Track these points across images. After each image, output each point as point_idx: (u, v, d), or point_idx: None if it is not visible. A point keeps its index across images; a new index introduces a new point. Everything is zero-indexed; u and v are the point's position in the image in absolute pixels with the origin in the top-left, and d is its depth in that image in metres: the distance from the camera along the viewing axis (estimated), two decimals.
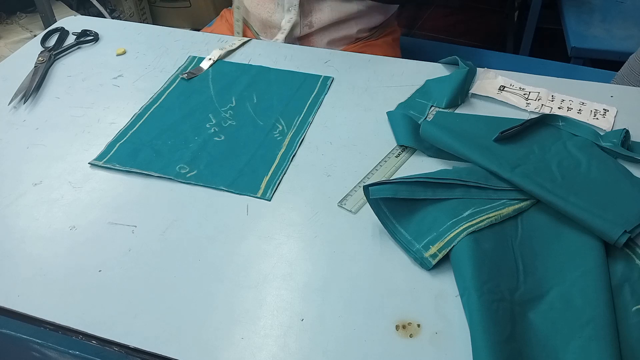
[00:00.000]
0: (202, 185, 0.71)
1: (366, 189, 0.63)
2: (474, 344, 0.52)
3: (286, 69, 0.93)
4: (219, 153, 0.76)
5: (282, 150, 0.76)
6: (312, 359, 0.53)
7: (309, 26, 1.03)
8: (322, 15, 1.03)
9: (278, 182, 0.72)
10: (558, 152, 0.72)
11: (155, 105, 0.85)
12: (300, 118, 0.82)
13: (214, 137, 0.79)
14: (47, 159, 0.77)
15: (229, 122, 0.82)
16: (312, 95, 0.86)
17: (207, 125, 0.81)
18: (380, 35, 1.12)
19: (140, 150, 0.77)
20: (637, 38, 1.52)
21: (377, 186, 0.63)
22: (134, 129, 0.81)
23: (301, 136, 0.79)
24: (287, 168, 0.74)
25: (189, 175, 0.73)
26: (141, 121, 0.82)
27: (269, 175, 0.72)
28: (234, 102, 0.86)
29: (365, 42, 1.10)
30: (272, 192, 0.70)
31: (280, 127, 0.80)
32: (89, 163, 0.75)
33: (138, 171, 0.73)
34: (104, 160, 0.76)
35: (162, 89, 0.89)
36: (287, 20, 1.04)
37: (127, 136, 0.80)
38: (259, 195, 0.70)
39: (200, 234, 0.65)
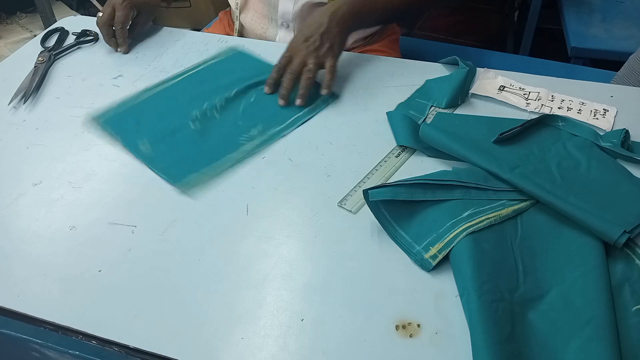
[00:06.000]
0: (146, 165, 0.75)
1: (365, 192, 0.63)
2: (473, 344, 0.52)
3: None
4: (184, 139, 0.79)
5: (233, 154, 0.76)
6: (312, 359, 0.53)
7: None
8: None
9: (207, 181, 0.72)
10: (558, 152, 0.72)
11: (165, 86, 0.89)
12: (279, 128, 0.80)
13: (190, 124, 0.81)
14: (47, 159, 0.77)
15: (215, 115, 0.83)
16: (308, 108, 0.84)
17: (194, 112, 0.83)
18: (378, 39, 1.12)
19: (129, 121, 0.82)
20: (637, 38, 1.52)
21: (377, 189, 0.63)
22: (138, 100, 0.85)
23: (263, 146, 0.77)
24: (226, 171, 0.73)
25: (144, 152, 0.77)
26: (145, 97, 0.86)
27: (202, 172, 0.73)
28: (232, 95, 0.86)
29: (362, 47, 1.10)
30: (193, 189, 0.71)
31: (253, 132, 0.79)
32: (92, 118, 0.81)
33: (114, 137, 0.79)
34: (105, 119, 0.81)
35: (186, 70, 0.92)
36: (280, 36, 1.04)
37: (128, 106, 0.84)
38: (174, 185, 0.71)
39: (200, 234, 0.65)
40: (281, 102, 0.83)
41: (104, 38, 0.98)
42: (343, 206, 0.68)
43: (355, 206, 0.68)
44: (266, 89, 0.85)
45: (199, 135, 0.79)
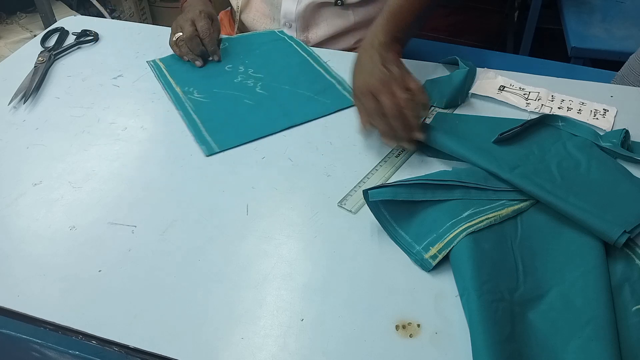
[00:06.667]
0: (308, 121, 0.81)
1: (365, 192, 0.63)
2: (473, 344, 0.52)
3: None
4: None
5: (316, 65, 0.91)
6: (312, 359, 0.53)
7: (306, 41, 1.03)
8: (318, 30, 1.03)
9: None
10: (558, 152, 0.72)
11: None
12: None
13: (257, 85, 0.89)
14: (47, 159, 0.77)
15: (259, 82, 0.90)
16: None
17: (247, 82, 0.90)
18: None
19: (230, 127, 0.81)
20: (637, 38, 1.52)
21: (377, 189, 0.63)
22: (195, 117, 0.84)
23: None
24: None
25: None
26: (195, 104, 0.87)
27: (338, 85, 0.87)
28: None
29: None
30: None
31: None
32: (206, 155, 0.76)
33: (255, 140, 0.79)
34: (216, 147, 0.78)
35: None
36: None
37: (201, 124, 0.82)
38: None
39: (200, 234, 0.65)
40: (411, 147, 0.74)
41: (188, 54, 0.94)
42: (343, 206, 0.68)
43: (355, 206, 0.68)
44: (392, 143, 0.74)
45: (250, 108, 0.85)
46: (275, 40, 1.00)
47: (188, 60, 0.95)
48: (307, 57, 0.95)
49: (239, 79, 0.91)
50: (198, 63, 0.94)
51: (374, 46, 0.77)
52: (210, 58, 0.95)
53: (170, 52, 0.97)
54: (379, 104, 0.72)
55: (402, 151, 0.75)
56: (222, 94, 0.88)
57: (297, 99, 0.86)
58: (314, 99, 0.86)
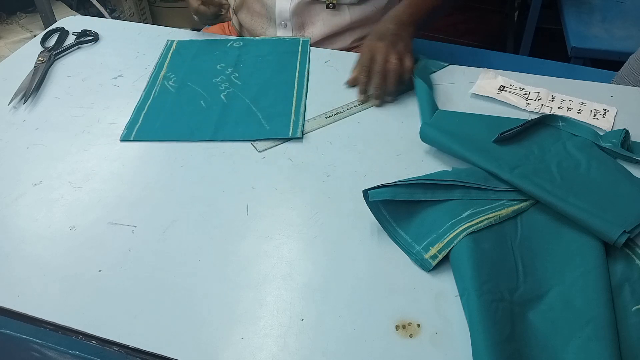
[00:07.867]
0: (233, 140, 0.78)
1: (365, 192, 0.63)
2: (473, 344, 0.52)
3: None
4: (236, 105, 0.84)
5: (295, 89, 0.86)
6: (312, 359, 0.53)
7: None
8: (314, 29, 1.03)
9: (303, 120, 0.81)
10: (558, 152, 0.72)
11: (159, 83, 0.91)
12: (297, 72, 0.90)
13: (226, 91, 0.87)
14: (47, 159, 0.77)
15: (235, 80, 0.90)
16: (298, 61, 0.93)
17: (220, 86, 0.88)
18: None
19: (162, 122, 0.82)
20: (637, 38, 1.52)
21: (377, 189, 0.63)
22: (148, 103, 0.86)
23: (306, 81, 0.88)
24: (306, 105, 0.84)
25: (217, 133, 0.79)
26: (152, 97, 0.87)
27: (293, 115, 0.81)
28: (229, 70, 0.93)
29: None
30: (301, 131, 0.79)
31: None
32: (120, 140, 0.79)
33: (171, 141, 0.79)
34: (133, 135, 0.80)
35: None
36: (279, 35, 1.04)
37: (144, 111, 0.84)
38: (290, 136, 0.78)
39: (200, 234, 0.65)
40: (377, 102, 0.84)
41: (203, 19, 0.98)
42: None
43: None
44: (361, 96, 0.85)
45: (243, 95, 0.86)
46: (286, 53, 0.95)
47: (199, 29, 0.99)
48: (296, 78, 0.89)
49: (218, 79, 0.90)
50: (223, 11, 0.97)
51: (394, 21, 0.89)
52: (222, 12, 0.98)
53: (194, 35, 1.02)
54: (373, 62, 0.84)
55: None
56: (190, 89, 0.88)
57: (245, 115, 0.82)
58: (257, 122, 0.81)
